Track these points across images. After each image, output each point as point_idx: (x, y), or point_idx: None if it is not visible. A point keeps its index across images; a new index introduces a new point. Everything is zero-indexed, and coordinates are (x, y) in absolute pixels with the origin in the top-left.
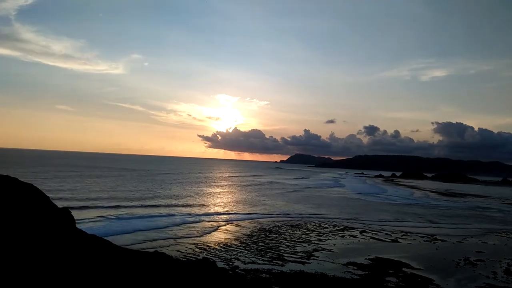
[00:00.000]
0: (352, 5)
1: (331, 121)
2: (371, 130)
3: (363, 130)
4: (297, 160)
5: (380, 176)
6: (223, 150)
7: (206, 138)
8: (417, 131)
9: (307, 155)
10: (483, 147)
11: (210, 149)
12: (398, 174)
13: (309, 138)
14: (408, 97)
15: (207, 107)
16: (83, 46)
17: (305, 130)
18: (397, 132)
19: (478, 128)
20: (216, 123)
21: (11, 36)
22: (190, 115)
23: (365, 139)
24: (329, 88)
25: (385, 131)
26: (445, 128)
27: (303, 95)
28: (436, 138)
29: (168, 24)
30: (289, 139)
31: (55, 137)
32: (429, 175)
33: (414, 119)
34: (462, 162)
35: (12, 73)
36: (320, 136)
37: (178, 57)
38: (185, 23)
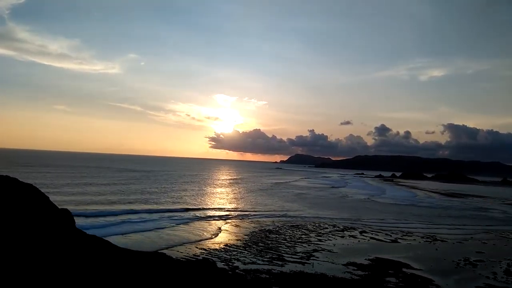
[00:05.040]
0: (351, 5)
1: (348, 122)
2: (381, 130)
3: (374, 130)
4: (297, 160)
5: (380, 176)
6: (226, 150)
7: (212, 139)
8: (433, 132)
9: (307, 155)
10: (491, 149)
11: (213, 149)
12: (398, 174)
13: (316, 139)
14: (408, 97)
15: (206, 107)
16: (79, 46)
17: (309, 131)
18: (407, 132)
19: (486, 129)
20: (215, 123)
21: (5, 36)
22: (188, 115)
23: (371, 140)
24: (327, 88)
25: (397, 132)
26: (452, 129)
27: (302, 95)
28: (444, 139)
29: (165, 23)
30: (294, 139)
31: (53, 137)
32: (429, 175)
33: (417, 119)
34: (462, 163)
35: (8, 73)
36: (327, 136)
37: (175, 56)
38: (182, 22)
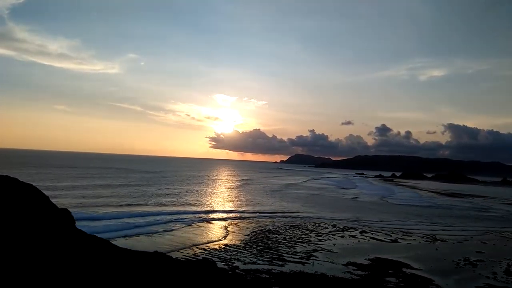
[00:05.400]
0: (351, 5)
1: (349, 123)
2: (382, 130)
3: (374, 130)
4: (297, 160)
5: (380, 176)
6: (226, 150)
7: (212, 139)
8: (434, 132)
9: (307, 155)
10: (492, 149)
11: (213, 149)
12: (398, 174)
13: (316, 139)
14: (409, 97)
15: (206, 107)
16: (78, 46)
17: (310, 131)
18: (408, 132)
19: (487, 129)
20: (215, 123)
21: (5, 36)
22: (188, 115)
23: (371, 140)
24: (327, 88)
25: (398, 132)
26: (452, 129)
27: (301, 95)
28: (445, 139)
29: (164, 23)
30: (295, 139)
31: (53, 137)
32: (429, 175)
33: (418, 119)
34: (462, 163)
35: (8, 73)
36: (327, 136)
37: (175, 56)
38: (182, 22)
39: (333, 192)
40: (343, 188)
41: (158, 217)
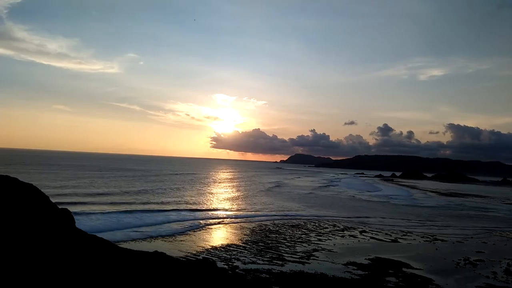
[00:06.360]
0: (351, 5)
1: (352, 122)
2: (384, 130)
3: (376, 130)
4: (297, 160)
5: (380, 176)
6: (227, 150)
7: (213, 138)
8: (437, 132)
9: (308, 155)
10: (493, 149)
11: (213, 149)
12: (398, 174)
13: (317, 138)
14: (411, 97)
15: (205, 107)
16: (78, 45)
17: (311, 130)
18: (410, 132)
19: (489, 129)
20: (214, 123)
21: (4, 35)
22: (188, 115)
23: (372, 140)
24: (327, 87)
25: (401, 132)
26: (454, 129)
27: (301, 95)
28: (447, 139)
29: (164, 23)
30: (296, 139)
31: (53, 137)
32: (429, 175)
33: (421, 119)
34: (462, 162)
35: (7, 73)
36: (328, 136)
37: (174, 56)
38: (181, 22)
39: (365, 195)
40: (368, 191)
41: (153, 213)
